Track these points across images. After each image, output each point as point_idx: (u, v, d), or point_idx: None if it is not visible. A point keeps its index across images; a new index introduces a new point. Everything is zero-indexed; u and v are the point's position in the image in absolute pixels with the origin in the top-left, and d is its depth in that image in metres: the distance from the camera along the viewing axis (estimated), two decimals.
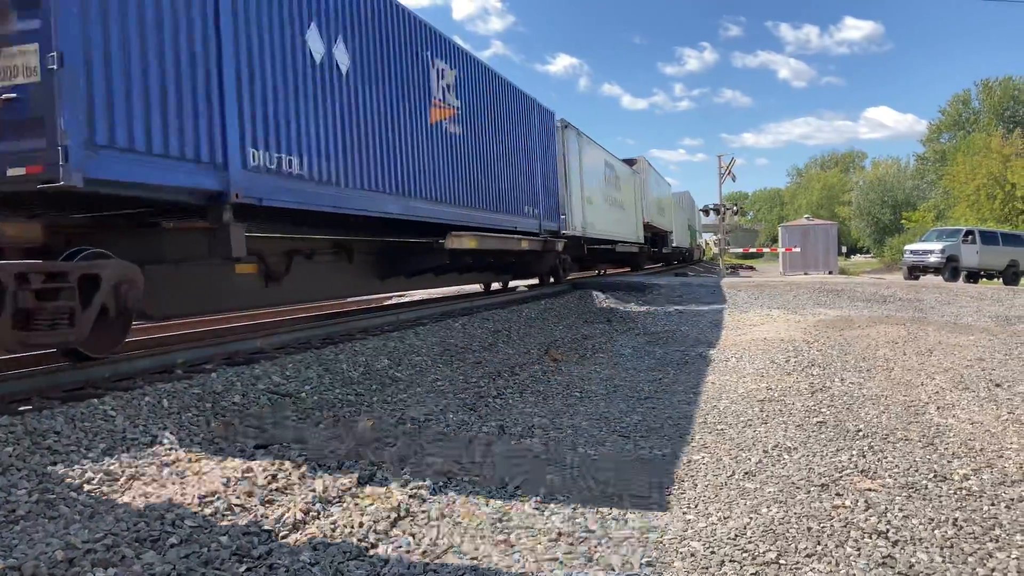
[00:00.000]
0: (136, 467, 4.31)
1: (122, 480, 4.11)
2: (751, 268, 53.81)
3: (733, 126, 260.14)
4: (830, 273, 39.36)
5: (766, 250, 58.97)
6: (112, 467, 4.25)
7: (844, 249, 62.79)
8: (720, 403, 6.65)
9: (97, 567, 3.08)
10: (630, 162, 31.53)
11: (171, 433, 4.93)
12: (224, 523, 3.65)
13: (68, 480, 4.03)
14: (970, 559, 3.36)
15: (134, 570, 3.09)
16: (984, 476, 4.51)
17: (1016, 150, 55.36)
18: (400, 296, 16.47)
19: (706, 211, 49.37)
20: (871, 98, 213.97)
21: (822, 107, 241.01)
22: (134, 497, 3.83)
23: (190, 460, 4.53)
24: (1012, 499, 4.11)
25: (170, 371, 6.39)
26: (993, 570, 3.26)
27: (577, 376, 8.11)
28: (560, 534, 3.70)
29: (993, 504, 4.04)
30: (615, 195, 26.02)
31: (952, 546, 3.50)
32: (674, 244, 42.14)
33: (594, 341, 10.92)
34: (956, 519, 3.82)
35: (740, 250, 60.01)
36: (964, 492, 4.23)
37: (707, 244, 79.54)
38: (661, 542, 3.60)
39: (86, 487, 3.95)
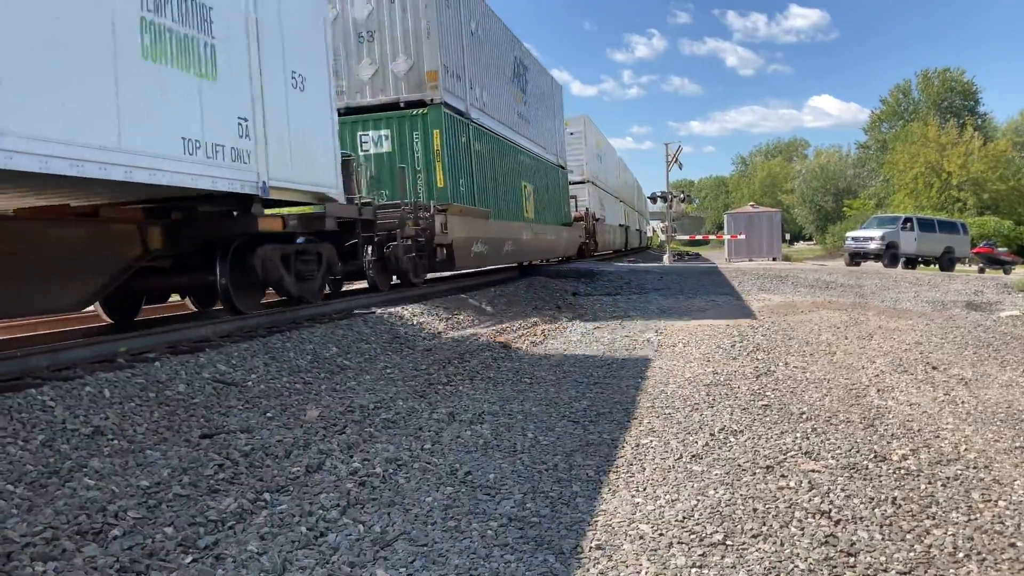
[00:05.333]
0: (76, 458, 4.20)
1: (62, 472, 4.00)
2: (697, 255, 54.50)
3: (681, 114, 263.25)
4: (774, 260, 40.14)
5: (712, 237, 59.73)
6: (51, 459, 4.14)
7: (788, 236, 64.01)
8: (668, 387, 6.73)
9: (37, 561, 3.00)
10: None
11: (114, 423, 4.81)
12: (169, 513, 3.58)
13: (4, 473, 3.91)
14: (908, 536, 3.46)
15: (75, 563, 3.02)
16: (922, 456, 4.64)
17: (952, 139, 56.96)
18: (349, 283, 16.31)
19: (653, 198, 49.28)
20: (816, 87, 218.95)
21: (768, 95, 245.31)
22: (75, 489, 3.73)
23: (133, 450, 4.44)
24: (948, 478, 4.24)
25: (112, 360, 6.24)
26: (930, 546, 3.36)
27: (527, 362, 8.13)
28: (511, 520, 3.71)
29: (930, 483, 4.17)
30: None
31: (891, 524, 3.59)
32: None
33: (544, 327, 10.95)
34: (895, 498, 3.92)
35: (687, 237, 60.68)
36: (903, 472, 4.35)
37: (655, 232, 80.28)
38: (610, 525, 3.63)
39: (24, 479, 3.84)
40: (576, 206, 28.06)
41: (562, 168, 24.84)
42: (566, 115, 27.80)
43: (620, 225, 41.09)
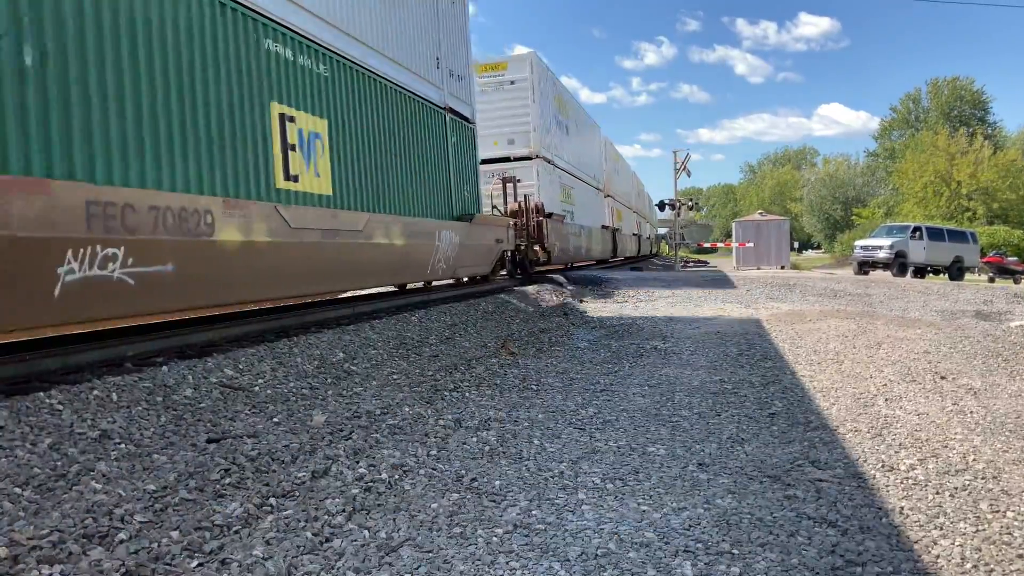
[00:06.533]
0: (83, 461, 4.21)
1: (69, 475, 4.01)
2: (706, 263, 54.37)
3: (689, 121, 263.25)
4: (782, 268, 40.05)
5: (720, 245, 59.56)
6: (58, 463, 4.15)
7: (796, 244, 63.78)
8: (675, 396, 6.72)
9: (43, 564, 3.01)
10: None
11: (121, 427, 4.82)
12: (175, 518, 3.58)
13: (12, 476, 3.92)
14: (916, 547, 3.44)
15: (81, 566, 3.02)
16: (929, 466, 4.62)
17: (961, 148, 56.84)
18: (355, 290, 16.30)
19: (661, 206, 48.48)
20: (825, 95, 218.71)
21: (777, 104, 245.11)
22: (82, 492, 3.74)
23: (139, 454, 4.45)
24: (956, 488, 4.22)
25: (120, 364, 6.26)
26: (938, 557, 3.34)
27: (533, 369, 8.12)
28: (516, 526, 3.70)
29: (938, 493, 4.14)
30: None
31: (899, 534, 3.58)
32: None
33: (551, 334, 10.94)
34: (903, 508, 3.90)
35: (695, 245, 60.51)
36: (910, 482, 4.33)
37: (663, 240, 79.86)
38: (616, 533, 3.62)
39: (31, 482, 3.85)
40: (515, 193, 19.12)
41: (463, 120, 14.80)
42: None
43: (603, 227, 31.15)
